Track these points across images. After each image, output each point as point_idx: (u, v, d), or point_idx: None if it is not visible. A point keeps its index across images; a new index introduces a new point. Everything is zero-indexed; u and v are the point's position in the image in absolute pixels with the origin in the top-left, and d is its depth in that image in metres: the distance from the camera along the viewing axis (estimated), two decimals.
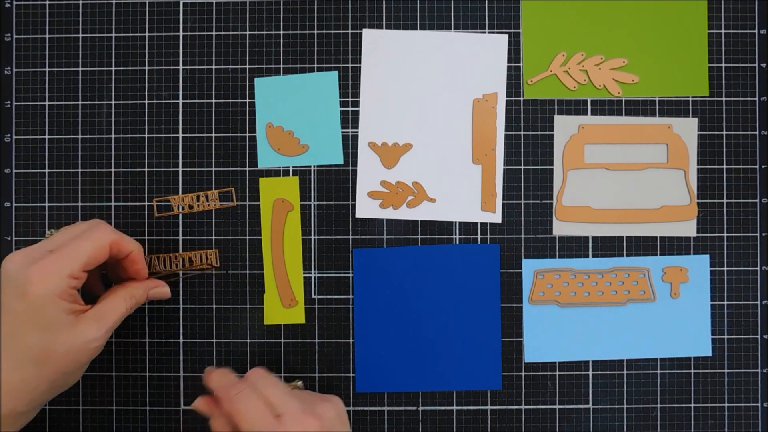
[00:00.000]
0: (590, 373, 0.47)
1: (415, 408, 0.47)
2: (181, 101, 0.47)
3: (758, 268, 0.47)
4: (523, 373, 0.47)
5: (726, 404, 0.47)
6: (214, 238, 0.47)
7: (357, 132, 0.47)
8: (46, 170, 0.47)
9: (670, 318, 0.47)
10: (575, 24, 0.47)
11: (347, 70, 0.47)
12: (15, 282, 0.36)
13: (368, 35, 0.47)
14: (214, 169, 0.47)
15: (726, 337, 0.47)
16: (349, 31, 0.47)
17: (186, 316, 0.47)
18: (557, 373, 0.47)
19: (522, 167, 0.47)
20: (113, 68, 0.47)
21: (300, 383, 0.43)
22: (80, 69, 0.47)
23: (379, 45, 0.47)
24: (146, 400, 0.47)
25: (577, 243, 0.47)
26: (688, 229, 0.47)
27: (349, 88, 0.47)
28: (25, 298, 0.35)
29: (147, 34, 0.47)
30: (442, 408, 0.47)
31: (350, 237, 0.47)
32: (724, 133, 0.47)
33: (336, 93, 0.47)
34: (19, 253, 0.37)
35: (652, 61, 0.47)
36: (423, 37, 0.47)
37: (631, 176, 0.47)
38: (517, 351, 0.47)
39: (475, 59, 0.47)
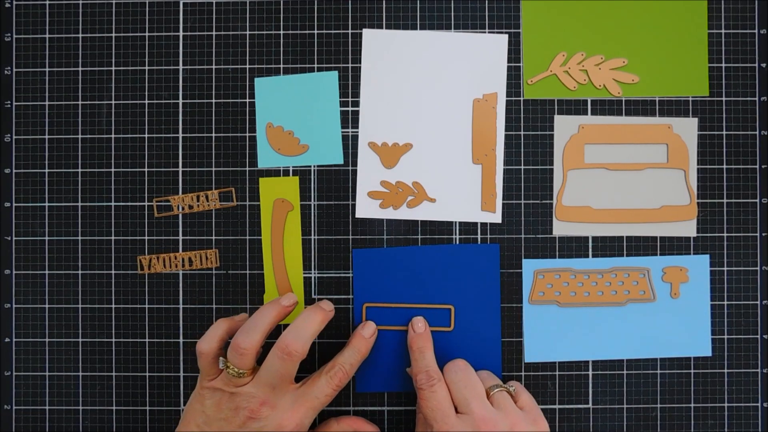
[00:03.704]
0: (590, 373, 0.47)
1: (415, 408, 0.47)
2: (181, 101, 0.47)
3: (758, 268, 0.47)
4: (523, 373, 0.47)
5: (726, 404, 0.47)
6: (214, 238, 0.47)
7: (357, 132, 0.47)
8: (46, 170, 0.47)
9: (670, 318, 0.47)
10: (575, 24, 0.47)
11: (347, 70, 0.47)
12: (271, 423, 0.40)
13: (368, 35, 0.47)
14: (214, 169, 0.47)
15: (726, 337, 0.47)
16: (349, 31, 0.47)
17: (186, 316, 0.47)
18: (557, 373, 0.47)
19: (522, 167, 0.47)
20: (113, 68, 0.47)
21: (512, 388, 0.43)
22: (80, 69, 0.47)
23: (379, 45, 0.47)
24: (146, 400, 0.47)
25: (577, 243, 0.47)
26: (688, 229, 0.47)
27: (349, 88, 0.47)
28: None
29: (147, 34, 0.47)
30: None
31: (350, 237, 0.47)
32: (724, 133, 0.47)
33: (336, 93, 0.47)
34: (265, 408, 0.40)
35: (652, 61, 0.47)
36: (423, 37, 0.47)
37: (631, 176, 0.47)
38: (517, 351, 0.47)
39: (475, 59, 0.47)
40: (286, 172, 0.47)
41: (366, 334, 0.44)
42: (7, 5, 0.48)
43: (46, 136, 0.47)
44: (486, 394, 0.41)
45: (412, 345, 0.44)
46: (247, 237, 0.47)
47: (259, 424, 0.40)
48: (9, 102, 0.47)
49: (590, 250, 0.47)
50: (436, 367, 0.43)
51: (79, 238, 0.47)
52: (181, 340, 0.47)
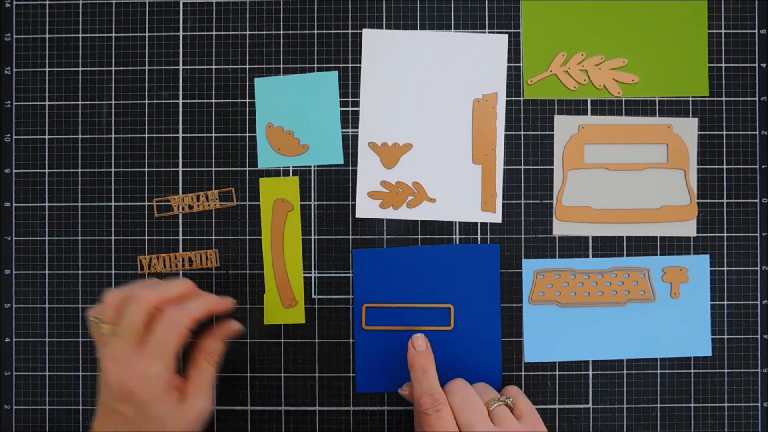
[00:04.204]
0: (590, 373, 0.47)
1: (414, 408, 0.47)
2: (181, 101, 0.47)
3: (758, 268, 0.47)
4: (523, 373, 0.47)
5: (726, 404, 0.47)
6: (214, 238, 0.47)
7: (357, 132, 0.47)
8: (46, 170, 0.47)
9: (670, 318, 0.47)
10: (575, 24, 0.47)
11: (347, 70, 0.47)
12: (120, 393, 0.38)
13: (368, 35, 0.47)
14: (214, 169, 0.47)
15: (726, 337, 0.47)
16: (349, 31, 0.47)
17: None
18: (557, 372, 0.47)
19: (522, 167, 0.47)
20: (113, 68, 0.47)
21: (510, 399, 0.42)
22: (80, 69, 0.47)
23: (379, 45, 0.47)
24: None
25: (577, 243, 0.47)
26: (688, 229, 0.47)
27: (349, 88, 0.47)
28: (133, 404, 0.38)
29: (147, 34, 0.47)
30: None
31: (350, 237, 0.47)
32: (724, 133, 0.47)
33: (336, 93, 0.47)
34: (109, 362, 0.38)
35: (652, 61, 0.47)
36: (423, 37, 0.47)
37: (631, 176, 0.47)
38: (517, 351, 0.47)
39: (475, 59, 0.47)
40: (286, 172, 0.47)
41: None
42: (7, 5, 0.48)
43: (46, 136, 0.47)
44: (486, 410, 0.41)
45: (414, 364, 0.42)
46: (247, 237, 0.47)
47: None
48: (9, 102, 0.47)
49: (590, 250, 0.47)
50: (440, 388, 0.41)
51: (79, 238, 0.47)
52: None
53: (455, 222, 0.47)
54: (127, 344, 0.38)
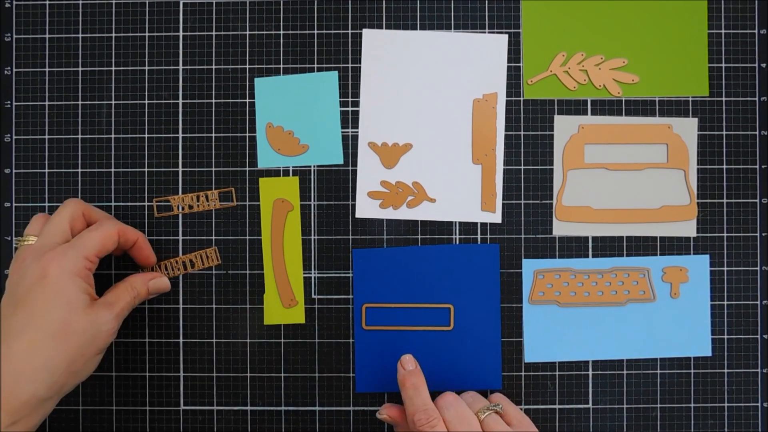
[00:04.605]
0: (590, 373, 0.47)
1: None
2: (181, 101, 0.47)
3: (758, 268, 0.47)
4: (523, 373, 0.47)
5: (726, 404, 0.47)
6: (214, 238, 0.47)
7: (357, 132, 0.47)
8: (46, 170, 0.47)
9: (670, 318, 0.47)
10: (575, 24, 0.47)
11: (347, 70, 0.47)
12: (33, 268, 0.39)
13: (368, 35, 0.47)
14: (214, 169, 0.47)
15: (726, 337, 0.47)
16: (349, 31, 0.47)
17: (186, 316, 0.47)
18: (557, 373, 0.47)
19: (522, 167, 0.47)
20: (113, 68, 0.47)
21: (500, 406, 0.42)
22: (80, 69, 0.47)
23: (379, 45, 0.47)
24: (146, 400, 0.47)
25: (577, 243, 0.47)
26: (688, 229, 0.47)
27: (349, 88, 0.47)
28: (44, 279, 0.38)
29: (147, 34, 0.47)
30: None
31: (350, 237, 0.47)
32: (724, 133, 0.47)
33: (336, 93, 0.47)
34: (29, 253, 0.40)
35: (652, 61, 0.47)
36: (423, 37, 0.47)
37: (631, 176, 0.47)
38: (517, 351, 0.47)
39: (475, 59, 0.47)
40: (286, 172, 0.47)
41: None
42: (7, 5, 0.48)
43: (46, 136, 0.47)
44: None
45: (405, 382, 0.42)
46: (247, 237, 0.47)
47: None
48: (9, 102, 0.47)
49: (590, 250, 0.47)
50: (433, 404, 0.41)
51: None
52: (181, 340, 0.47)
53: (455, 222, 0.47)
54: (47, 240, 0.40)
